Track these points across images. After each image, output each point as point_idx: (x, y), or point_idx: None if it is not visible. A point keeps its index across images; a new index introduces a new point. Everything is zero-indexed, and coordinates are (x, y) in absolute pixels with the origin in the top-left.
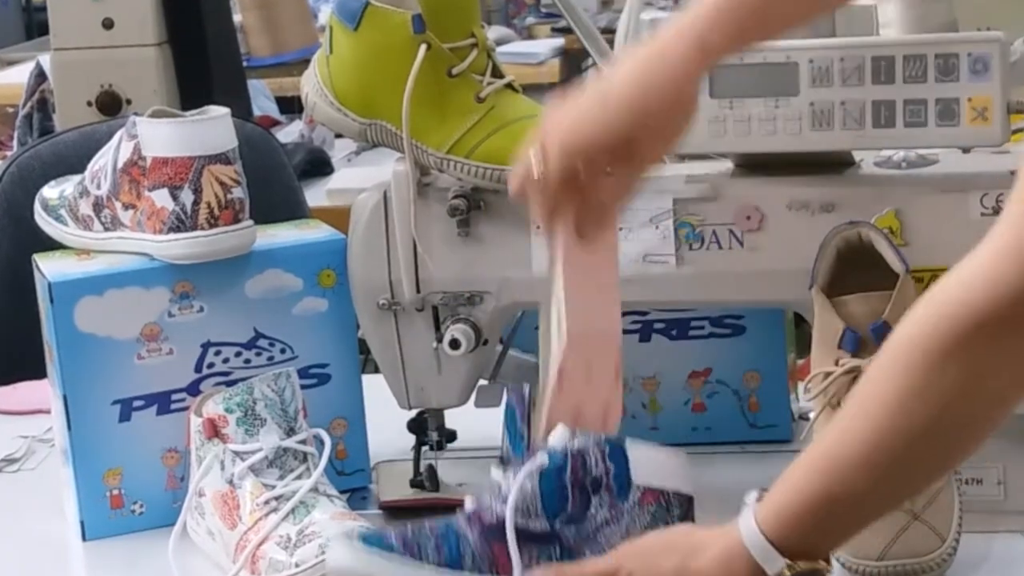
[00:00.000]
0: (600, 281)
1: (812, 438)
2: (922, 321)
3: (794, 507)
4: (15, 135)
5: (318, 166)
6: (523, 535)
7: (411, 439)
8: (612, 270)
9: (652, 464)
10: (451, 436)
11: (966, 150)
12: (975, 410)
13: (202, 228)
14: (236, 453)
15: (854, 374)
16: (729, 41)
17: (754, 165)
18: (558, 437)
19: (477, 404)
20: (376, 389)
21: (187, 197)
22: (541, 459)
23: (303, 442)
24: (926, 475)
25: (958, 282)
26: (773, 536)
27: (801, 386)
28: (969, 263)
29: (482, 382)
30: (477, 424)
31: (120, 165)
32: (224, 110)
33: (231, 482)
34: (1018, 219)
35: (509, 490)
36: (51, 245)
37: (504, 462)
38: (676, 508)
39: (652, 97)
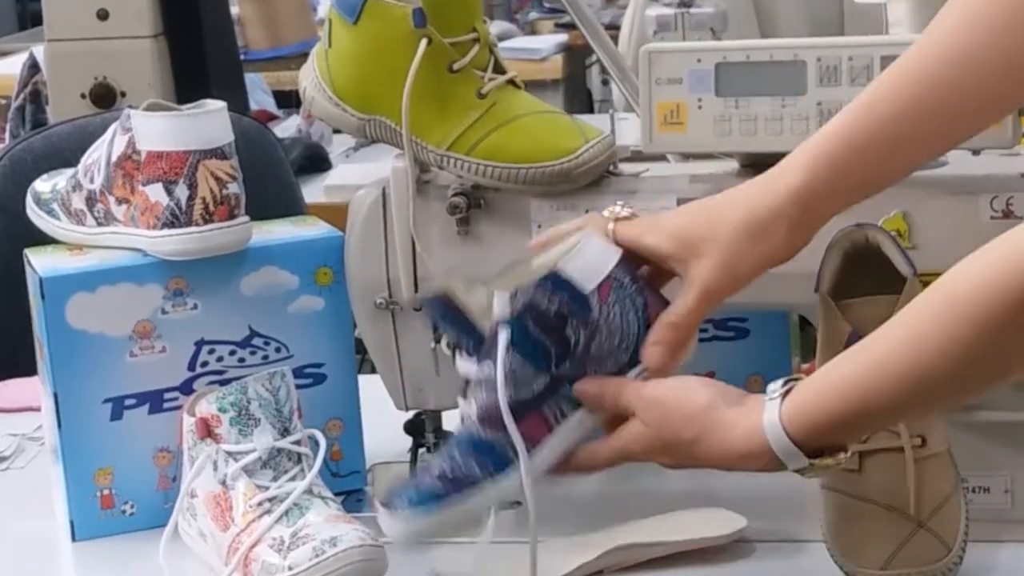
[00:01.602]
0: None
1: None
2: (982, 277)
3: (824, 415)
4: (7, 127)
5: (315, 162)
6: (535, 401)
7: (408, 441)
8: None
9: (585, 264)
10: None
11: (976, 152)
12: (1020, 362)
13: (197, 224)
14: (229, 453)
15: None
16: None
17: (760, 165)
18: (500, 305)
19: None
20: (372, 390)
21: (182, 192)
22: (504, 334)
23: (297, 443)
24: (961, 402)
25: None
26: (797, 437)
27: None
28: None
29: None
30: None
31: (114, 159)
32: (220, 104)
33: (224, 483)
34: None
35: (492, 374)
36: (43, 240)
37: (465, 354)
38: (627, 279)
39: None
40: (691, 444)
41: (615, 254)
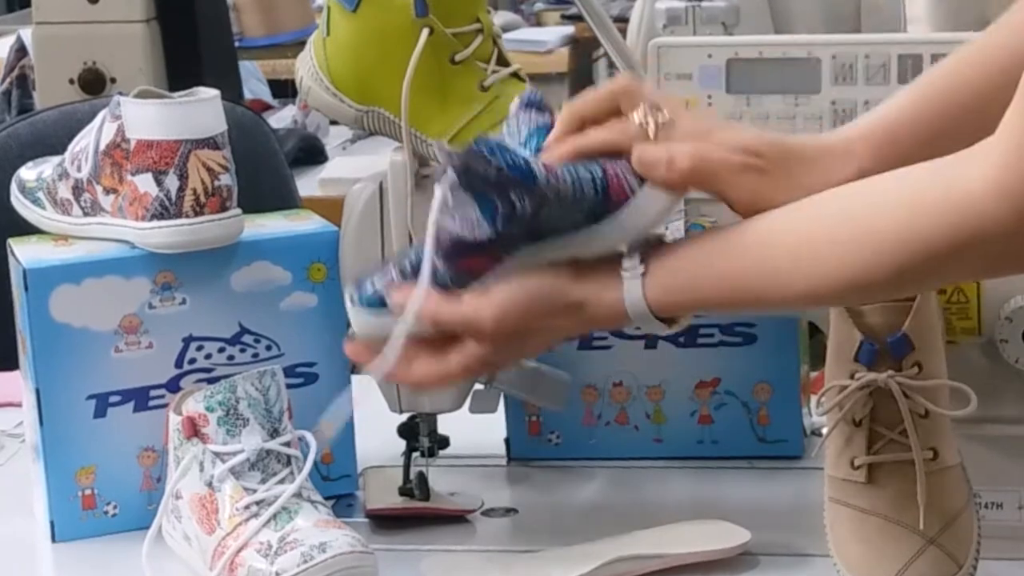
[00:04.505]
0: None
1: (824, 455)
2: (922, 214)
3: (692, 292)
4: None
5: (311, 154)
6: (482, 247)
7: (401, 444)
8: None
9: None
10: (443, 442)
11: None
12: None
13: (187, 216)
14: (216, 454)
15: (870, 388)
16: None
17: None
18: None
19: (472, 410)
20: (366, 391)
21: (172, 183)
22: (450, 174)
23: (287, 444)
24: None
25: (968, 190)
26: (659, 310)
27: (814, 400)
28: (973, 167)
29: (478, 387)
30: (471, 430)
31: (102, 147)
32: (213, 92)
33: (210, 484)
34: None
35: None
36: (27, 229)
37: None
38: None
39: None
40: (542, 330)
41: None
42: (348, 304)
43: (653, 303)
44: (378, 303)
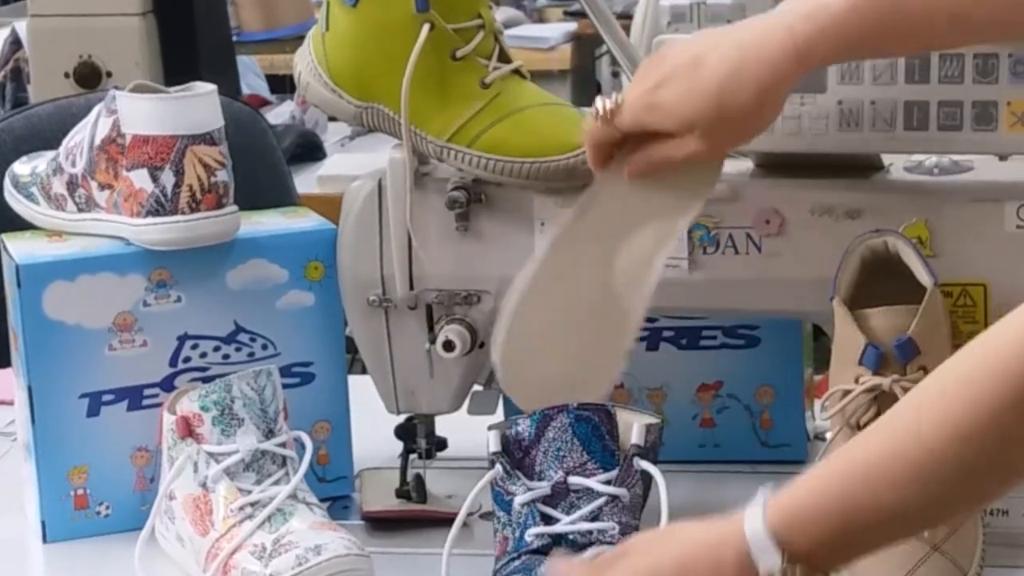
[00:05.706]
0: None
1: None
2: (1012, 361)
3: (811, 506)
4: None
5: (309, 150)
6: None
7: (398, 446)
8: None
9: None
10: (441, 444)
11: (1003, 157)
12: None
13: (182, 212)
14: (210, 454)
15: (875, 392)
16: (837, 56)
17: (776, 165)
18: (638, 434)
19: (470, 411)
20: (363, 391)
21: (168, 179)
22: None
23: (283, 445)
24: (968, 507)
25: None
26: (778, 530)
27: (818, 404)
28: None
29: (476, 388)
30: (469, 432)
31: (97, 142)
32: (210, 87)
33: (204, 485)
34: None
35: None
36: (21, 225)
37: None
38: None
39: (734, 100)
40: (655, 538)
41: None
42: None
43: (771, 515)
44: None
